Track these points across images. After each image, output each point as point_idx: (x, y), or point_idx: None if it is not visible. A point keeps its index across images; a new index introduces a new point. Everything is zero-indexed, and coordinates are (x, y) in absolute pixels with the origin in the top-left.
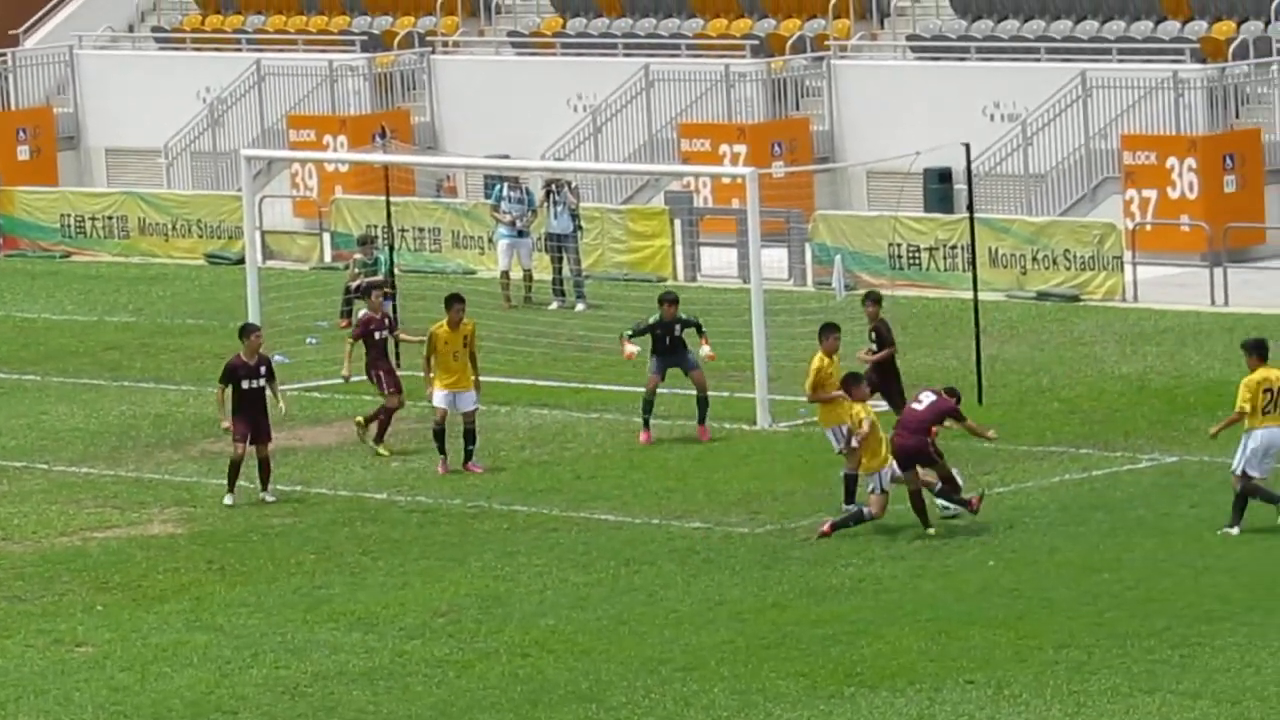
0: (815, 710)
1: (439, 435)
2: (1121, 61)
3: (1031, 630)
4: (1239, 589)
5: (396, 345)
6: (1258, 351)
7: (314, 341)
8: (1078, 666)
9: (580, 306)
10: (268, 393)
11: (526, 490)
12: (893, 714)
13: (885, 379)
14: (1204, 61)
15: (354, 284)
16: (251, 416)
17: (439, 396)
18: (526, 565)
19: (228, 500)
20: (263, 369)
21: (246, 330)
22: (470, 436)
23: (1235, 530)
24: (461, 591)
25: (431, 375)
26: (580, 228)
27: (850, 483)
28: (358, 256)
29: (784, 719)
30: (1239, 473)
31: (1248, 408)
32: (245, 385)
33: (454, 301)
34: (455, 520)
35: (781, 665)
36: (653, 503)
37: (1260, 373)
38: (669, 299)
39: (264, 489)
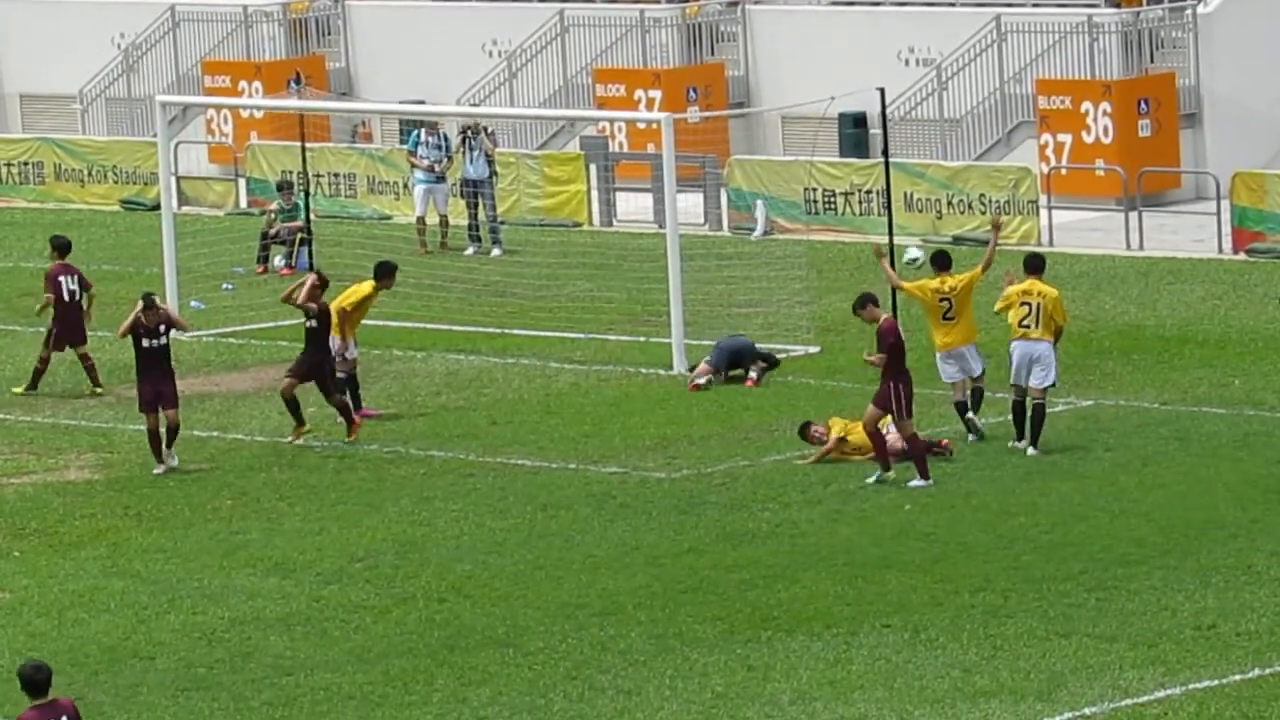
0: (732, 655)
1: (352, 382)
2: (1036, 6)
3: (948, 574)
4: (1154, 533)
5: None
6: (1028, 265)
7: (229, 288)
8: (994, 610)
9: (496, 252)
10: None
11: (443, 435)
12: (809, 658)
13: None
14: (1118, 6)
15: (271, 230)
16: (154, 381)
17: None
18: (443, 511)
19: (157, 470)
20: (162, 328)
21: (148, 304)
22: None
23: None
24: (378, 537)
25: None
26: (495, 173)
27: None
28: (275, 204)
29: (700, 663)
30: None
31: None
32: (145, 344)
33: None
34: (372, 466)
35: (698, 610)
36: (569, 448)
37: (1022, 285)
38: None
39: (167, 448)
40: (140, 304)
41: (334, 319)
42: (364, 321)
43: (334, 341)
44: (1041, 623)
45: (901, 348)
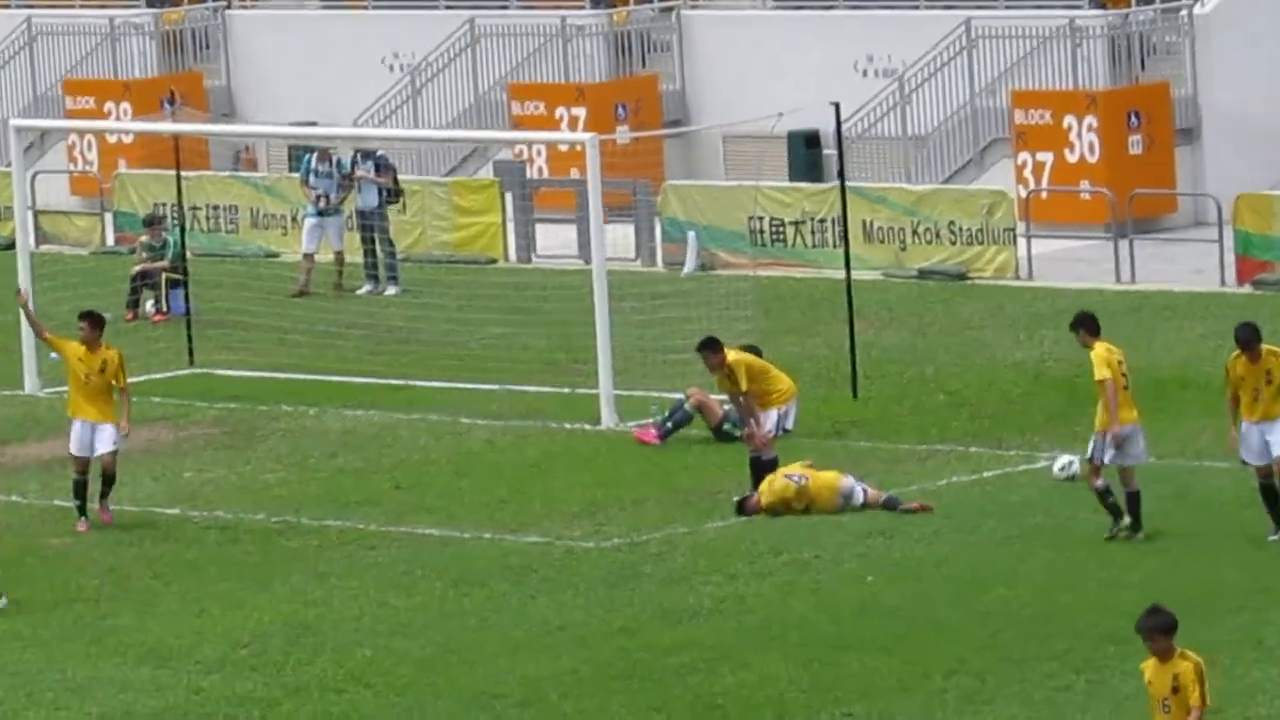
0: None
1: (79, 489)
2: (1010, 7)
3: (916, 655)
4: (1144, 604)
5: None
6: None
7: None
8: (970, 696)
9: (391, 290)
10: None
11: (340, 502)
12: None
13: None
14: (1104, 7)
15: (137, 268)
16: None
17: (75, 429)
18: (340, 588)
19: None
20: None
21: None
22: (108, 481)
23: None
24: (266, 619)
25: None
26: (389, 201)
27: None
28: (143, 239)
29: None
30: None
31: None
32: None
33: (85, 319)
34: (258, 538)
35: (632, 698)
36: (484, 515)
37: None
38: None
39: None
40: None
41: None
42: (243, 374)
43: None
44: (1024, 709)
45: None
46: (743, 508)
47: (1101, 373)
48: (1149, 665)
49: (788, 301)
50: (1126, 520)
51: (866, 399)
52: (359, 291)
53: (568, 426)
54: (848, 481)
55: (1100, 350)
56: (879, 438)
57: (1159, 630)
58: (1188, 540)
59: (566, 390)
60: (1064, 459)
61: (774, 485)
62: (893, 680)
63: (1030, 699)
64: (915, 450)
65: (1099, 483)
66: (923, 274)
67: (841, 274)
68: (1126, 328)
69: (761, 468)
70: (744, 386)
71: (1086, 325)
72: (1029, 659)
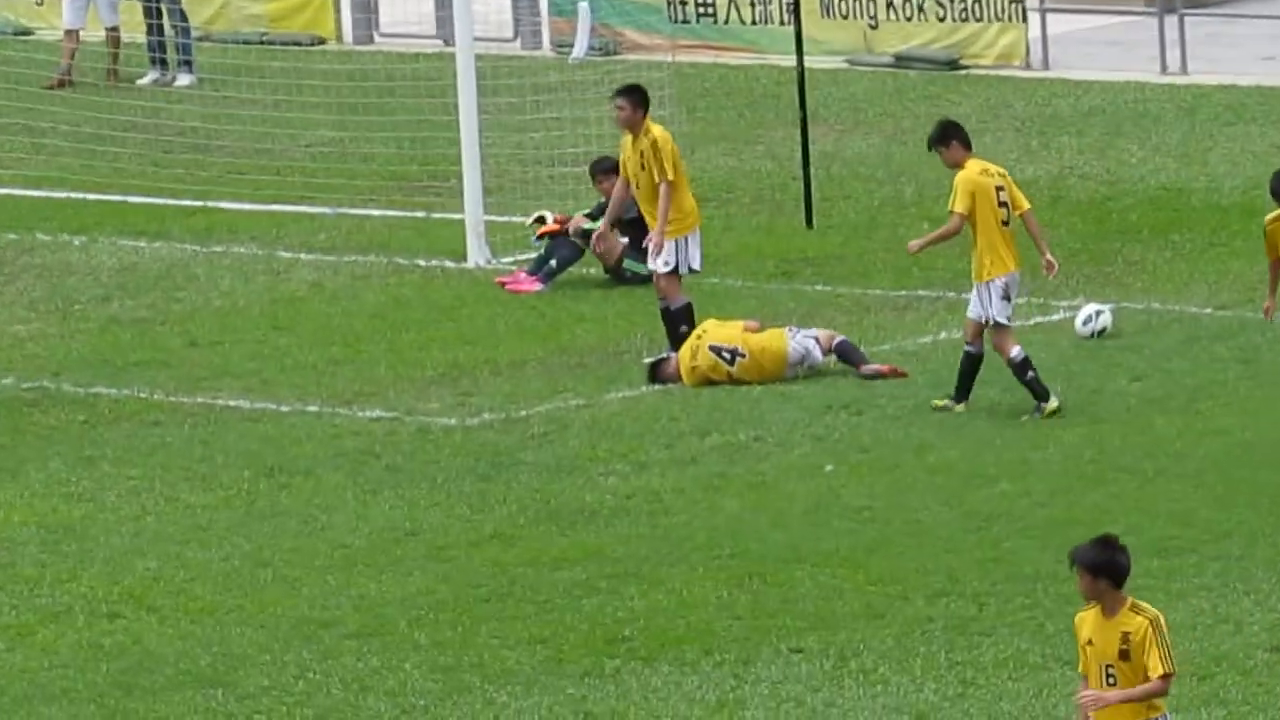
0: (560, 696)
1: None
2: None
3: (891, 572)
4: (1207, 505)
5: None
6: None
7: None
8: (962, 625)
9: (185, 79)
10: None
11: (114, 363)
12: (678, 700)
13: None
14: None
15: None
16: None
17: None
18: (115, 478)
19: None
20: None
21: None
22: None
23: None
24: (15, 520)
25: None
26: None
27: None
28: None
29: (511, 710)
30: None
31: None
32: None
33: None
34: (4, 410)
35: (507, 628)
36: (310, 381)
37: None
38: None
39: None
40: None
41: None
42: None
43: None
44: (1034, 642)
45: None
46: (657, 373)
47: (961, 204)
48: (1087, 618)
49: (719, 98)
50: (1054, 403)
51: (825, 229)
52: (140, 82)
53: (421, 264)
54: (797, 344)
55: (970, 172)
56: (841, 280)
57: (1098, 569)
58: (1255, 419)
59: (420, 215)
60: (1090, 309)
61: (697, 360)
62: (859, 605)
63: (1042, 630)
64: (890, 297)
65: (1014, 352)
66: (901, 61)
67: (791, 61)
68: (1174, 135)
69: (675, 320)
70: (670, 173)
71: (957, 136)
72: (1042, 577)
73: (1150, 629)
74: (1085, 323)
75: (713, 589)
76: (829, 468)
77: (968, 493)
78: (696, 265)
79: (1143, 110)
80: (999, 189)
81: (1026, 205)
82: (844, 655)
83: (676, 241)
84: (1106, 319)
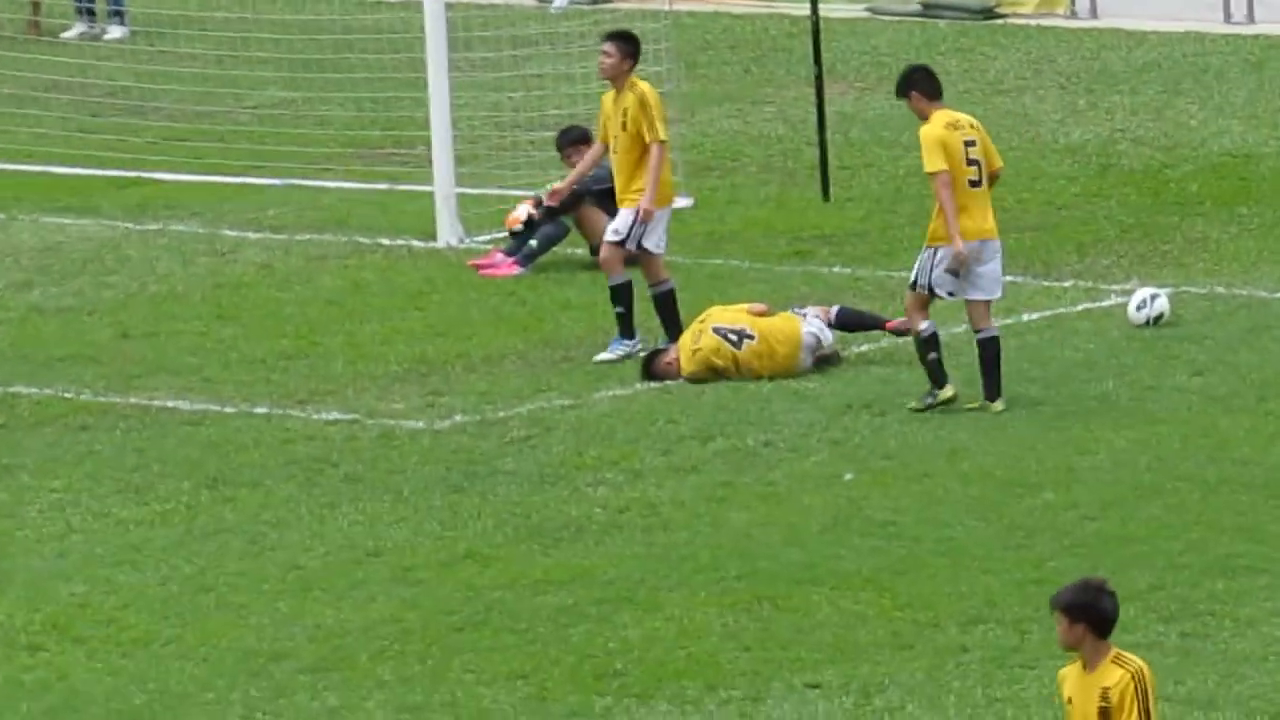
0: None
1: None
2: None
3: (920, 595)
4: (1277, 518)
5: None
6: None
7: None
8: (1002, 657)
9: (116, 32)
10: None
11: (36, 360)
12: None
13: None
14: None
15: None
16: None
17: None
18: (36, 490)
19: None
20: None
21: None
22: None
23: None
24: None
25: None
26: None
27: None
28: None
29: None
30: None
31: None
32: None
33: None
34: None
35: (484, 660)
36: (258, 378)
37: None
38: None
39: None
40: None
41: None
42: None
43: None
44: None
45: None
46: (652, 368)
47: (934, 163)
48: (1069, 672)
49: (722, 51)
50: (949, 391)
51: (843, 201)
52: (65, 35)
53: (385, 243)
54: (811, 329)
55: (935, 126)
56: (862, 261)
57: (1076, 613)
58: None
59: (384, 188)
60: (1144, 293)
61: (700, 345)
62: (883, 633)
63: None
64: None
65: (923, 325)
66: (929, 9)
67: (805, 9)
68: (1239, 93)
69: (666, 305)
70: (662, 132)
71: (920, 86)
72: None
73: (1132, 684)
74: (1139, 308)
75: (717, 615)
76: (849, 476)
77: (1006, 505)
78: (652, 246)
79: (1204, 65)
80: (969, 143)
81: (999, 164)
82: (867, 691)
83: (636, 212)
84: (1163, 304)
